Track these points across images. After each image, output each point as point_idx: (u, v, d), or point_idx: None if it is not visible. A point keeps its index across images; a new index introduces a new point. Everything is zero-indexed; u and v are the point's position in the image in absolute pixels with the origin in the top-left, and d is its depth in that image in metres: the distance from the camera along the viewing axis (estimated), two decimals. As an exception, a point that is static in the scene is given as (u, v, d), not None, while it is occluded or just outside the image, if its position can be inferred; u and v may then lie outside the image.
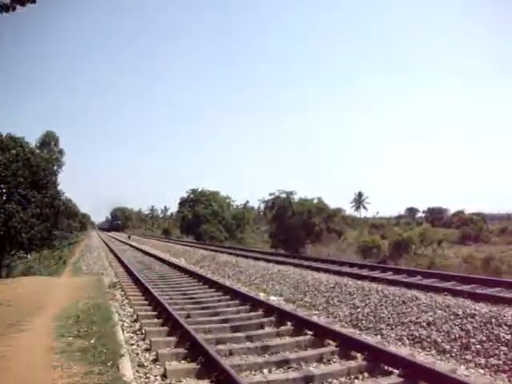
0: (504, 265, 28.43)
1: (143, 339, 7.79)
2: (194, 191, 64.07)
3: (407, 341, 8.20)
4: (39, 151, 46.22)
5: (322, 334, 7.28)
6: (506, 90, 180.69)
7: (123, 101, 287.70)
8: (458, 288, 10.92)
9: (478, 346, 7.21)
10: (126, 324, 9.03)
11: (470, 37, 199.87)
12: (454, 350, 7.37)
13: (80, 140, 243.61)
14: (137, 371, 6.04)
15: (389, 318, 9.37)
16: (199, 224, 55.13)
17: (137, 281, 14.42)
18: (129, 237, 64.52)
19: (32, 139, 48.54)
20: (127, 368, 5.82)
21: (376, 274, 14.45)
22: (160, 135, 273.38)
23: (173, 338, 7.47)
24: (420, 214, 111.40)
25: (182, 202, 65.12)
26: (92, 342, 7.12)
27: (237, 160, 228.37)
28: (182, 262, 23.49)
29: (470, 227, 64.47)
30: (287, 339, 7.49)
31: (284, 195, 37.36)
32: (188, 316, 9.31)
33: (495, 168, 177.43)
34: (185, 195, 65.02)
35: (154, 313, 9.74)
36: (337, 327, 8.81)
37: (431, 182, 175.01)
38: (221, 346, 7.02)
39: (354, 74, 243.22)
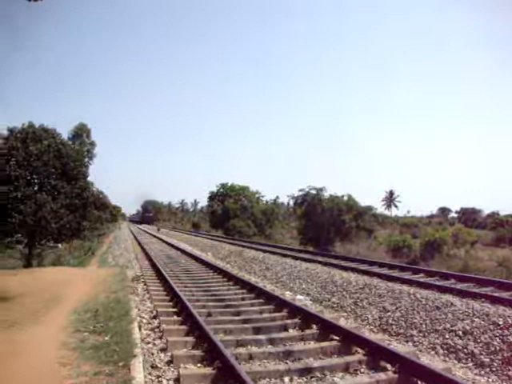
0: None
1: (160, 337, 7.43)
2: (223, 186, 63.97)
3: (441, 350, 7.63)
4: (71, 143, 46.81)
5: (349, 339, 6.77)
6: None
7: (153, 94, 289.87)
8: (497, 295, 10.23)
9: (523, 361, 6.62)
10: (144, 320, 8.70)
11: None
12: (495, 364, 6.77)
13: (114, 134, 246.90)
14: (149, 373, 5.67)
15: (421, 324, 8.80)
16: (228, 219, 54.89)
17: (160, 275, 14.13)
18: (158, 229, 64.80)
19: (65, 131, 49.23)
20: (139, 370, 5.47)
21: (407, 275, 13.83)
22: (193, 130, 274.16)
23: (191, 338, 7.10)
24: (453, 214, 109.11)
25: (212, 197, 65.10)
26: (106, 338, 6.82)
27: (267, 156, 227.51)
28: (208, 257, 23.21)
29: (505, 229, 62.64)
30: (311, 344, 7.01)
31: (314, 191, 36.65)
32: (209, 314, 8.94)
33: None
34: (215, 190, 65.02)
35: (175, 310, 9.39)
36: (365, 333, 8.32)
37: (465, 181, 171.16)
38: (240, 350, 6.62)
39: (388, 71, 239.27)
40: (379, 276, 13.41)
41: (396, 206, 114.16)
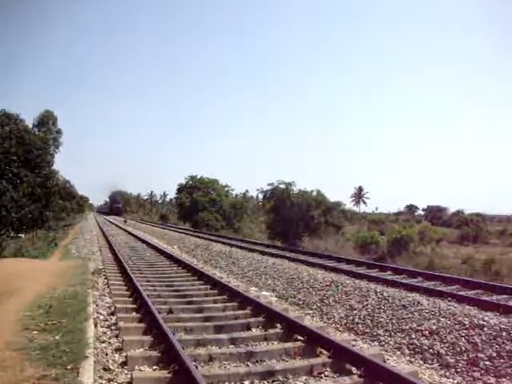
0: (503, 267, 27.77)
1: (117, 336, 7.04)
2: (192, 178, 63.22)
3: (407, 350, 7.48)
4: (36, 130, 45.42)
5: (313, 340, 6.50)
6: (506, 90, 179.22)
7: (123, 84, 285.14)
8: (463, 293, 10.17)
9: (488, 363, 6.48)
10: (101, 317, 8.27)
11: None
12: (460, 365, 6.64)
13: (82, 123, 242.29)
14: (100, 377, 5.28)
15: (387, 323, 8.65)
16: (197, 211, 54.36)
17: (123, 268, 13.66)
18: (125, 221, 63.74)
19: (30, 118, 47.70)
20: (88, 373, 5.06)
21: (374, 273, 13.72)
22: (161, 121, 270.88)
23: (148, 338, 6.73)
24: (419, 212, 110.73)
25: (181, 189, 64.28)
26: (57, 337, 6.36)
27: (237, 149, 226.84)
28: (174, 250, 22.78)
29: (469, 227, 63.84)
30: (275, 345, 6.71)
31: (283, 186, 36.49)
32: (170, 311, 8.59)
33: (495, 169, 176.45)
34: (183, 182, 64.24)
35: (134, 306, 8.99)
36: (331, 332, 8.13)
37: (432, 179, 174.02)
38: (200, 350, 6.29)
39: (355, 69, 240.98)
40: (346, 273, 13.25)
41: (365, 203, 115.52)
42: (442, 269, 25.95)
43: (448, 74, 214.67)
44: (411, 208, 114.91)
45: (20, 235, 32.21)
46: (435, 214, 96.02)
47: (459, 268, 28.61)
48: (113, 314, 8.47)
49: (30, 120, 47.18)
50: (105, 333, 7.32)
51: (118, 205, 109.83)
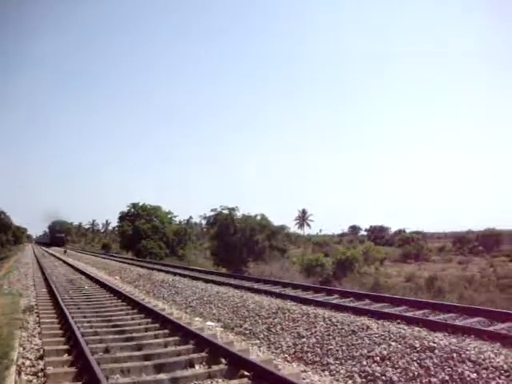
0: (445, 283, 28.37)
1: (44, 384, 6.36)
2: (134, 205, 61.88)
3: (359, 379, 7.12)
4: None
5: (261, 376, 6.07)
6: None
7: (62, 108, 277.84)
8: (411, 315, 10.02)
9: (442, 388, 6.22)
10: (27, 362, 7.52)
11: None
12: (414, 392, 6.35)
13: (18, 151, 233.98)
14: None
15: (337, 350, 8.30)
16: (139, 239, 53.09)
17: (58, 304, 12.78)
18: (65, 251, 61.27)
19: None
20: None
21: (321, 297, 13.45)
22: (104, 148, 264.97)
23: (78, 384, 6.09)
24: (362, 232, 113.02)
25: (122, 217, 62.72)
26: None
27: (181, 175, 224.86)
28: (115, 281, 21.85)
29: (411, 246, 65.56)
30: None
31: (226, 211, 36.11)
32: (106, 350, 7.93)
33: (433, 187, 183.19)
34: (126, 210, 62.72)
35: (66, 347, 8.25)
36: (280, 364, 7.71)
37: (373, 199, 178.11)
38: (137, 396, 5.72)
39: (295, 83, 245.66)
40: (293, 299, 12.88)
41: (308, 225, 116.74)
42: (387, 288, 26.20)
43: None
44: (354, 229, 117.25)
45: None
46: (378, 234, 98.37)
47: (404, 286, 29.00)
48: (41, 357, 7.72)
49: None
50: (30, 381, 6.62)
51: (61, 234, 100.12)
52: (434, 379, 6.44)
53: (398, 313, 10.22)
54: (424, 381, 6.49)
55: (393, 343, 7.81)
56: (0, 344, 8.27)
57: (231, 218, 35.38)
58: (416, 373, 6.72)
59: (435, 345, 7.29)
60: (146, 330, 9.73)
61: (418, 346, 7.43)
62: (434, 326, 8.62)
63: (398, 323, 9.12)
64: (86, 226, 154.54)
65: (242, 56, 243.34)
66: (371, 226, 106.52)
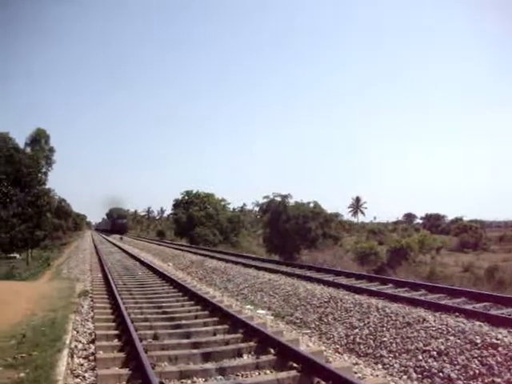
0: (506, 275, 27.15)
1: (93, 368, 6.36)
2: (188, 193, 62.66)
3: (414, 374, 6.78)
4: (29, 148, 44.79)
5: (310, 368, 5.83)
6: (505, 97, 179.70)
7: (121, 101, 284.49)
8: (471, 308, 9.47)
9: (506, 389, 5.79)
10: (80, 346, 7.61)
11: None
12: (475, 392, 5.94)
13: (80, 140, 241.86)
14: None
15: (391, 342, 7.96)
16: (193, 226, 53.69)
17: (111, 290, 12.96)
18: (121, 238, 62.86)
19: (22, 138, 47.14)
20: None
21: (375, 286, 13.02)
22: (160, 137, 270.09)
23: (126, 371, 6.04)
24: (418, 221, 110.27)
25: (177, 204, 63.68)
26: (22, 375, 5.68)
27: (236, 162, 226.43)
28: (168, 268, 22.11)
29: (468, 234, 63.39)
30: (267, 375, 6.04)
31: (279, 198, 35.82)
32: (155, 337, 7.89)
33: (494, 175, 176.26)
34: (180, 197, 63.63)
35: (116, 332, 8.29)
36: (330, 357, 7.43)
37: (429, 187, 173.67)
38: (183, 385, 5.61)
39: (358, 80, 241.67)
40: (346, 288, 12.54)
41: (362, 213, 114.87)
42: (443, 278, 25.35)
43: (447, 83, 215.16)
44: (409, 217, 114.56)
45: (14, 255, 31.54)
46: (434, 222, 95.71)
47: (461, 277, 28.00)
48: (93, 341, 7.78)
49: (22, 139, 46.70)
50: (81, 364, 6.66)
51: (123, 220, 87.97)
52: (497, 379, 6.00)
53: (457, 305, 9.71)
54: (486, 380, 6.06)
55: (451, 338, 7.38)
56: (55, 327, 8.40)
57: (284, 205, 35.10)
58: (477, 371, 6.29)
59: (498, 342, 6.81)
60: (196, 317, 9.67)
61: (479, 341, 6.98)
62: (496, 321, 8.06)
63: (457, 316, 8.64)
64: (142, 213, 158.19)
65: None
66: (427, 214, 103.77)
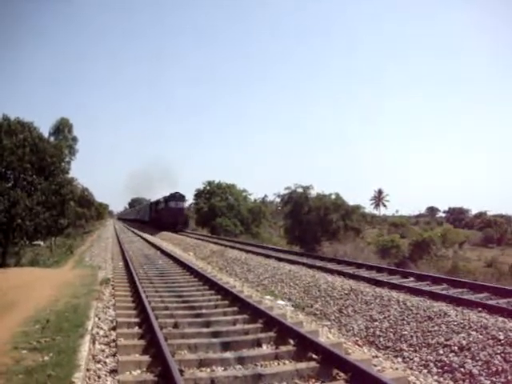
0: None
1: (114, 355, 6.45)
2: (210, 183, 62.73)
3: (435, 369, 6.70)
4: (53, 137, 45.35)
5: (329, 360, 5.83)
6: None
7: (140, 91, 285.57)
8: (494, 303, 9.35)
9: (531, 388, 5.69)
10: (101, 332, 7.72)
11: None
12: (497, 388, 5.85)
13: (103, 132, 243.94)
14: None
15: (412, 336, 7.90)
16: (214, 217, 53.81)
17: (132, 278, 13.10)
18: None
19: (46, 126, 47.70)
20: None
21: (396, 279, 12.95)
22: (179, 126, 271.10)
23: (146, 358, 6.12)
24: (440, 214, 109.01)
25: (198, 194, 63.85)
26: (46, 358, 5.79)
27: (258, 153, 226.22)
28: (189, 257, 22.24)
29: (493, 229, 62.45)
30: (286, 365, 6.04)
31: (300, 190, 35.60)
32: (175, 325, 7.96)
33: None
34: (201, 187, 63.75)
35: (137, 320, 8.39)
36: (349, 348, 7.40)
37: (453, 181, 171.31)
38: (202, 373, 5.63)
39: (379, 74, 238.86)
40: (366, 280, 12.50)
41: (384, 205, 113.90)
42: (466, 273, 25.04)
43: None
44: (432, 210, 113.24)
45: (39, 243, 32.08)
46: (457, 216, 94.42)
47: (484, 272, 27.62)
48: (114, 328, 7.89)
49: (46, 128, 47.21)
50: (103, 351, 6.74)
51: (180, 204, 50.68)
52: (521, 376, 5.91)
53: (479, 300, 9.60)
54: (510, 377, 5.96)
55: (473, 333, 7.29)
56: (77, 313, 8.54)
57: (305, 196, 34.91)
58: (500, 368, 6.18)
59: (523, 338, 6.71)
60: (216, 306, 9.72)
61: (502, 338, 6.87)
62: (520, 318, 7.97)
63: (479, 311, 8.54)
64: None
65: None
66: (450, 208, 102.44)
